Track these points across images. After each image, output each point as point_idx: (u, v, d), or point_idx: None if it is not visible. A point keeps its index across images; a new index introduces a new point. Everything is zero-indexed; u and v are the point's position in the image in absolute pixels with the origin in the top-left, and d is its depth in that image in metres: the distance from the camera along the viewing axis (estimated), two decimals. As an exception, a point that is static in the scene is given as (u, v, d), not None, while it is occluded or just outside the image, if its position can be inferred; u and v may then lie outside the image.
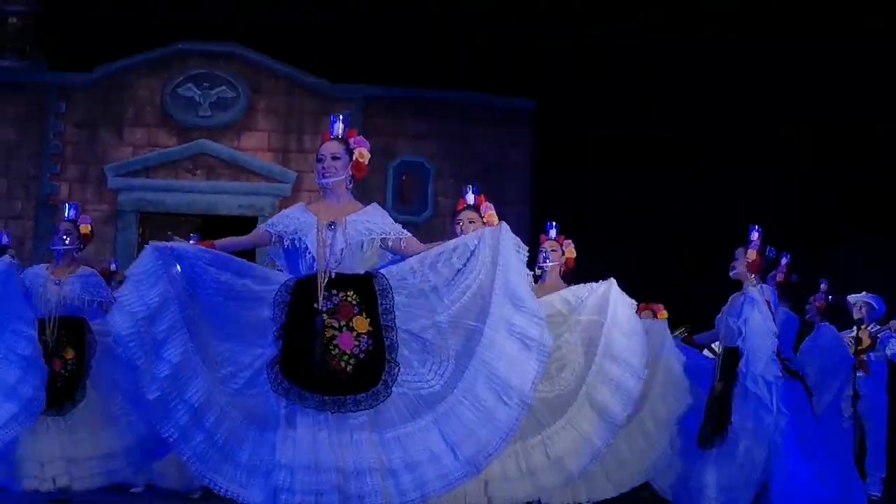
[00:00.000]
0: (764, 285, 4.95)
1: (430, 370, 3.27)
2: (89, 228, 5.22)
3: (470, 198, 3.98)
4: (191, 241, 3.77)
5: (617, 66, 9.78)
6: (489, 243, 3.31)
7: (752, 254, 5.31)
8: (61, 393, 4.70)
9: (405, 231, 3.37)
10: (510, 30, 9.73)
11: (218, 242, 3.37)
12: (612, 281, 4.19)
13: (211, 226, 8.24)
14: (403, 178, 9.10)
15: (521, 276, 3.32)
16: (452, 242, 3.39)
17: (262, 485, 3.17)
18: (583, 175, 8.95)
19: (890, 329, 6.93)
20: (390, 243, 3.35)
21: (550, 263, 4.51)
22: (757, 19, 9.67)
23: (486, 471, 3.54)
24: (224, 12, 9.56)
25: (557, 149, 9.19)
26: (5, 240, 5.81)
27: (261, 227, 3.49)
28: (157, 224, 9.00)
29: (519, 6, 9.73)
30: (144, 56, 9.03)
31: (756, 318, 4.68)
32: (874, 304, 7.00)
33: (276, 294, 3.22)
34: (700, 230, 8.86)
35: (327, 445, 3.16)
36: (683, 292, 7.57)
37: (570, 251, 4.75)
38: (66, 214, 5.33)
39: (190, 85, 8.99)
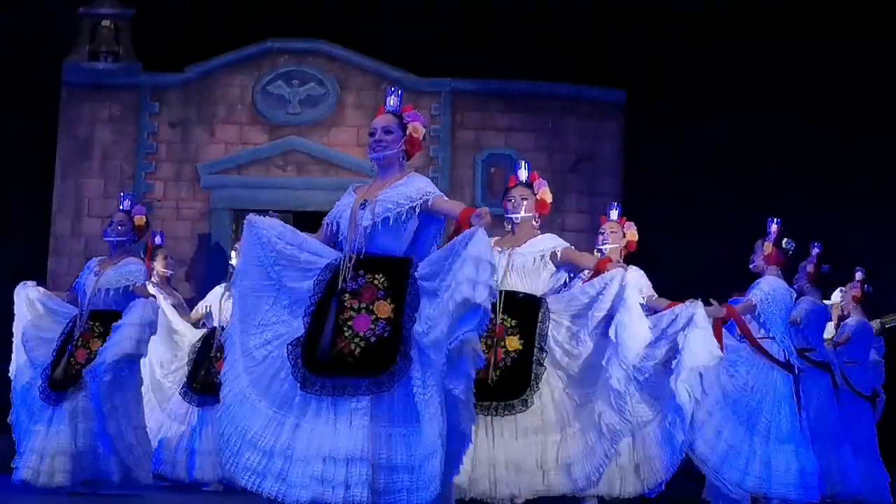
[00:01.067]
0: (775, 277, 5.18)
1: (428, 375, 3.24)
2: (144, 220, 5.21)
3: (522, 174, 3.99)
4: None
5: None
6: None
7: (768, 246, 5.21)
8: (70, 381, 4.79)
9: (433, 192, 3.27)
10: (602, 19, 9.37)
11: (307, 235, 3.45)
12: (631, 269, 4.27)
13: (302, 221, 7.82)
14: (492, 170, 8.88)
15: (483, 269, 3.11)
16: (461, 238, 3.19)
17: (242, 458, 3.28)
18: (674, 172, 8.86)
19: None
20: (423, 208, 3.26)
21: (609, 246, 4.55)
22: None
23: (496, 460, 3.84)
24: (312, 9, 9.46)
25: (648, 142, 9.08)
26: (158, 240, 6.41)
27: (324, 220, 3.53)
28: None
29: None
30: (234, 55, 9.03)
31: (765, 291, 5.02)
32: None
33: (319, 273, 3.27)
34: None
35: (323, 432, 3.18)
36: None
37: (632, 234, 4.82)
38: (121, 205, 5.23)
39: (279, 82, 8.99)
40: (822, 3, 9.22)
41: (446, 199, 3.29)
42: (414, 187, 3.23)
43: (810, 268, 6.43)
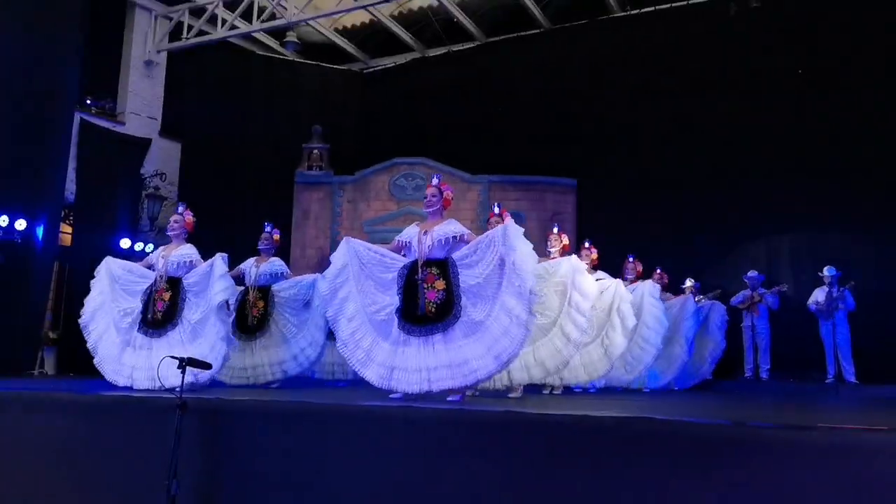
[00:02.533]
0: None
1: (476, 308, 4.55)
2: (192, 221, 6.30)
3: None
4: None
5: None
6: (500, 236, 4.59)
7: None
8: (158, 322, 5.75)
9: (464, 231, 4.84)
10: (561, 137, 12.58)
11: (382, 246, 5.11)
12: (572, 257, 6.30)
13: None
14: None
15: (522, 255, 4.48)
16: (484, 236, 4.75)
17: (374, 370, 4.71)
18: (607, 223, 11.60)
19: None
20: (458, 239, 4.81)
21: (554, 248, 6.67)
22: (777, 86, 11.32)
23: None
24: (418, 139, 13.40)
25: (591, 207, 12.22)
26: (277, 234, 7.65)
27: (396, 239, 5.09)
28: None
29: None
30: (379, 165, 12.73)
31: None
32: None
33: (399, 269, 4.76)
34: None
35: (418, 355, 4.58)
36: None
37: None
38: (177, 210, 6.28)
39: (402, 179, 12.56)
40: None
41: (469, 233, 4.93)
42: (452, 227, 4.88)
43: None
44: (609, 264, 8.24)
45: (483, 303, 4.55)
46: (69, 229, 11.69)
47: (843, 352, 9.21)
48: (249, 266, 7.18)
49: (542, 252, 6.20)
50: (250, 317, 6.89)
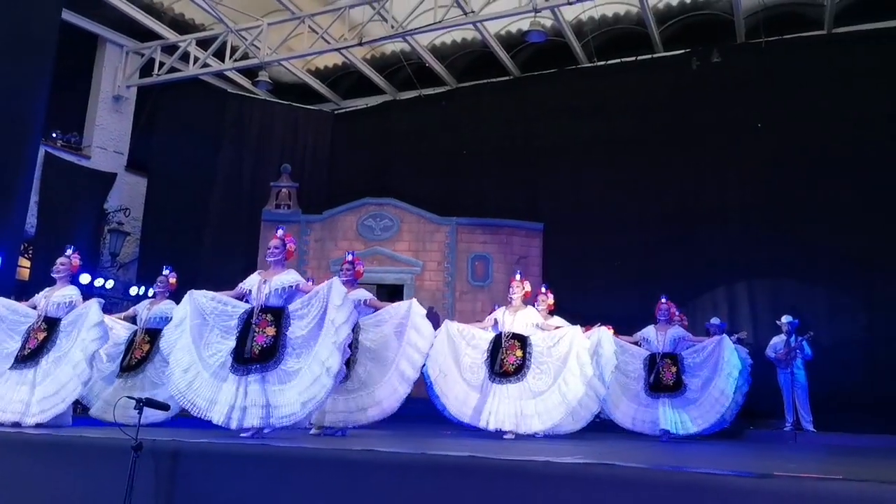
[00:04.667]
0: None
1: (297, 359, 5.00)
2: (78, 264, 6.55)
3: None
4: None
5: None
6: (325, 293, 5.02)
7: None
8: (26, 358, 5.82)
9: (300, 280, 5.32)
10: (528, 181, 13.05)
11: (225, 293, 5.39)
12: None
13: (381, 290, 12.06)
14: (476, 263, 12.31)
15: (341, 313, 4.97)
16: (314, 291, 5.17)
17: (217, 411, 5.03)
18: (571, 262, 12.16)
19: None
20: (295, 289, 5.25)
21: (515, 295, 7.04)
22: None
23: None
24: (385, 177, 13.63)
25: (554, 251, 12.52)
26: (174, 277, 7.56)
27: (238, 286, 5.48)
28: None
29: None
30: (346, 206, 12.82)
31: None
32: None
33: (239, 315, 5.22)
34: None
35: (232, 391, 5.03)
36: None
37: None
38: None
39: (370, 219, 12.58)
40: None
41: (306, 283, 5.32)
42: (290, 277, 5.26)
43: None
44: (573, 306, 8.35)
45: (305, 353, 5.01)
46: (27, 263, 11.44)
47: (801, 400, 9.26)
48: (143, 308, 7.20)
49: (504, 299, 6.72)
50: (131, 356, 6.87)
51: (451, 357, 6.92)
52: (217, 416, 4.98)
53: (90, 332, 5.88)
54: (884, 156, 11.10)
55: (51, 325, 6.04)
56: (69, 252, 6.44)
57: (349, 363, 5.56)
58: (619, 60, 13.37)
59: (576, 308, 8.56)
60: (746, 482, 3.24)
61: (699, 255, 11.57)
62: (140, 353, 6.85)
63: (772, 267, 10.98)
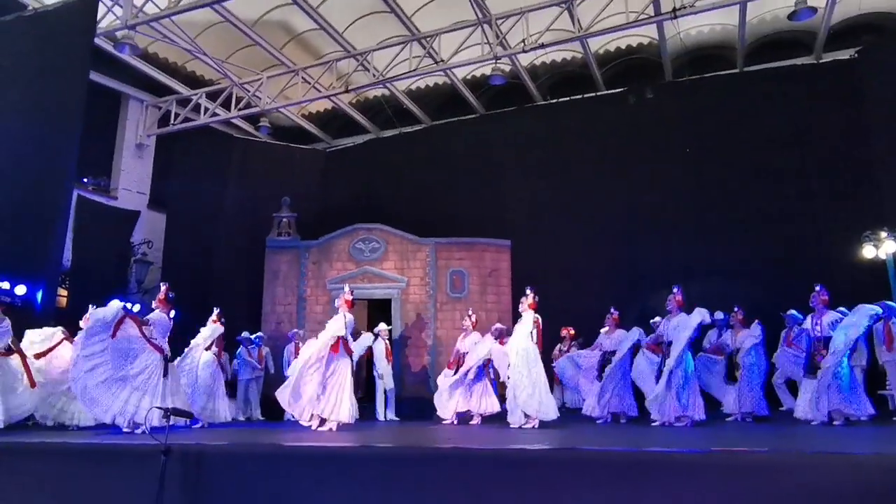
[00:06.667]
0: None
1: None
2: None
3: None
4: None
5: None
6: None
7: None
8: None
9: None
10: (496, 204, 13.00)
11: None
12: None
13: (372, 304, 12.33)
14: (454, 277, 12.11)
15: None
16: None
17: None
18: (539, 274, 11.54)
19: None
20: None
21: (466, 324, 8.32)
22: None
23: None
24: (373, 205, 13.41)
25: (522, 266, 12.24)
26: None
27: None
28: (353, 307, 10.42)
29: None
30: (340, 231, 12.46)
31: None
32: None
33: None
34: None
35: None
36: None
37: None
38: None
39: (360, 242, 12.38)
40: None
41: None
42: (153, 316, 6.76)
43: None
44: (539, 311, 8.29)
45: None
46: (65, 293, 11.32)
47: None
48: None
49: (494, 313, 6.31)
50: None
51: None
52: None
53: None
54: (790, 172, 11.56)
55: None
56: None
57: None
58: (568, 98, 13.72)
59: (540, 312, 8.49)
60: (690, 457, 3.29)
61: (642, 263, 11.69)
62: None
63: (704, 271, 11.00)
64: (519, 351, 7.22)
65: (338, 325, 7.09)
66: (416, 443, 4.06)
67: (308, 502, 3.59)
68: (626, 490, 3.09)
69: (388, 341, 10.44)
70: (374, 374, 10.25)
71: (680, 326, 7.09)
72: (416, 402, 10.90)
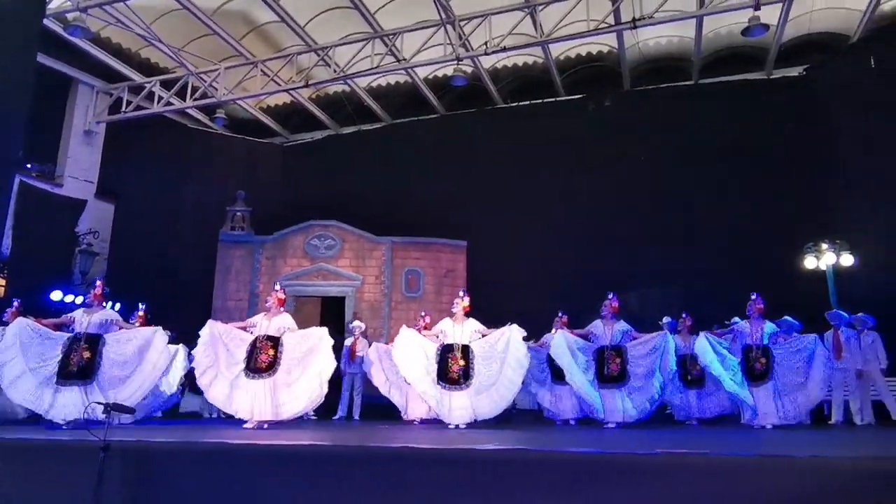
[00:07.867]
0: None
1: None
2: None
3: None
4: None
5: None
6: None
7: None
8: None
9: (117, 317, 6.57)
10: (454, 205, 12.88)
11: (52, 321, 6.46)
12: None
13: (325, 302, 12.30)
14: (409, 276, 12.35)
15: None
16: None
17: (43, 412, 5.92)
18: (497, 274, 12.18)
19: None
20: (111, 322, 6.50)
21: (456, 309, 7.32)
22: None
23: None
24: (330, 203, 13.12)
25: (477, 264, 12.63)
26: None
27: (68, 315, 6.50)
28: (306, 303, 12.18)
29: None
30: (295, 227, 12.59)
31: None
32: None
33: (65, 339, 6.31)
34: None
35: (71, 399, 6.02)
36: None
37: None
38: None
39: (315, 239, 12.48)
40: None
41: (121, 321, 6.57)
42: (107, 313, 6.51)
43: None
44: (493, 311, 8.19)
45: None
46: (2, 282, 10.86)
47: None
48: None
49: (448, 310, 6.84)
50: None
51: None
52: None
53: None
54: (739, 183, 11.84)
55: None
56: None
57: None
58: (529, 102, 13.87)
59: (495, 312, 8.45)
60: (635, 459, 3.33)
61: (596, 267, 11.75)
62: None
63: (660, 275, 11.29)
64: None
65: (293, 323, 6.86)
66: (364, 442, 4.01)
67: (253, 499, 3.49)
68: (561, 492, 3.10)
69: (363, 339, 10.10)
70: (343, 373, 9.96)
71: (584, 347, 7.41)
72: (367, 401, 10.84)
